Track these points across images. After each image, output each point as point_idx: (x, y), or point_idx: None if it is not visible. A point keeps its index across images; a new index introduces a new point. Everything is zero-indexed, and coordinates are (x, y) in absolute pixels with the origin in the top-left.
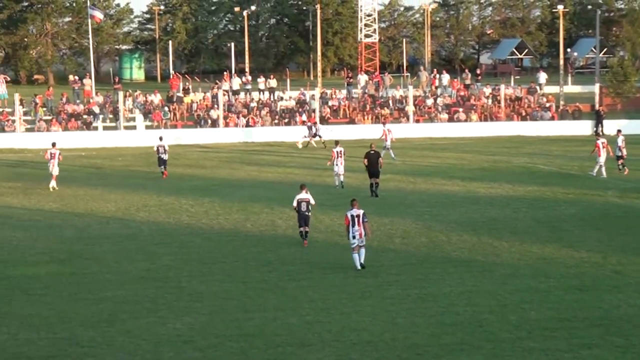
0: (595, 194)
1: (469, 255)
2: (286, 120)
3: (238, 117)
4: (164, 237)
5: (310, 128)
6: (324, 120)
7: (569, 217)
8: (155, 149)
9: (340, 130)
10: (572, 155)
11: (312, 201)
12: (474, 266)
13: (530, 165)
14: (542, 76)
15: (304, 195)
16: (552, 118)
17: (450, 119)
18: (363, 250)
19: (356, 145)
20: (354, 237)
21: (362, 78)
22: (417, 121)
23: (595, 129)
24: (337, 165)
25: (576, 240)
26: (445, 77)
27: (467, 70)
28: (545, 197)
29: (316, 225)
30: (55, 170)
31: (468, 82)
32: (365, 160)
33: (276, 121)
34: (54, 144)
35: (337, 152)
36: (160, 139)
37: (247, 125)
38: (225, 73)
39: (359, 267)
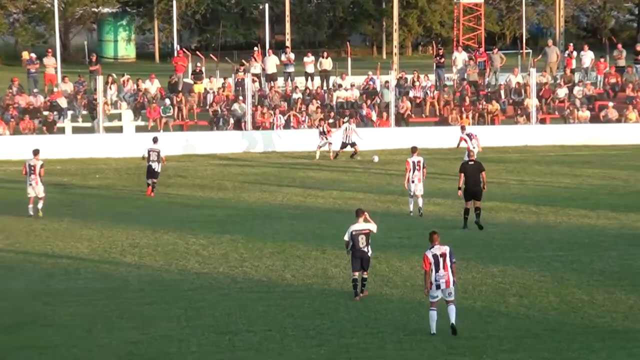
0: None
1: (625, 324)
2: (346, 118)
3: (274, 115)
4: (161, 293)
5: (323, 135)
6: (401, 119)
7: None
8: (145, 154)
9: (425, 133)
10: None
11: (374, 229)
12: (632, 339)
13: None
14: None
15: (362, 225)
16: None
17: (595, 118)
18: (453, 308)
19: (447, 157)
20: (437, 287)
21: (460, 57)
22: (543, 121)
23: None
24: (412, 182)
25: None
26: (588, 56)
27: (620, 46)
28: None
29: (390, 276)
30: (38, 189)
31: (622, 63)
32: (461, 175)
33: (331, 120)
34: (35, 152)
35: (413, 162)
36: (155, 140)
37: (288, 125)
38: (255, 49)
39: (434, 331)
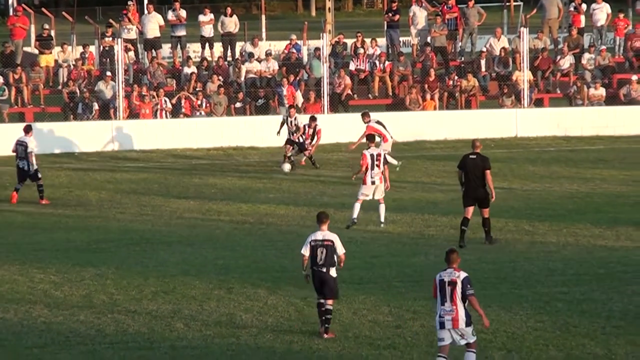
0: None
1: None
2: (260, 101)
3: (158, 97)
4: None
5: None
6: (339, 102)
7: None
8: (12, 149)
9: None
10: None
11: (340, 249)
12: None
13: None
14: None
15: (324, 234)
16: None
17: (612, 98)
18: (473, 356)
19: (403, 154)
20: (442, 326)
21: (420, 13)
22: (539, 103)
23: None
24: (372, 183)
25: None
26: (602, 10)
27: None
28: None
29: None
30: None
31: None
32: (460, 173)
33: (238, 104)
34: (27, 129)
35: (372, 155)
36: (26, 130)
37: (177, 112)
38: (129, 4)
39: None
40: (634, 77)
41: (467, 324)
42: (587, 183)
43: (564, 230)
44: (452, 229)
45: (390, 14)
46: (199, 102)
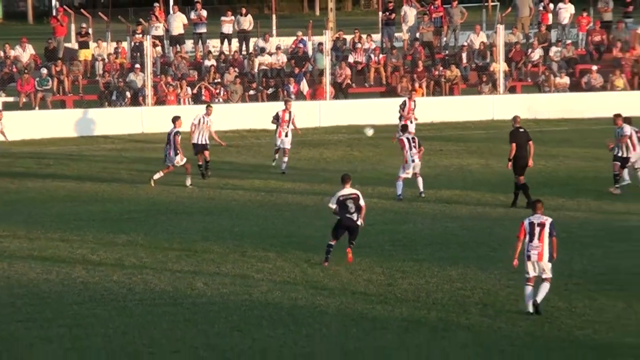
0: None
1: (609, 336)
2: (270, 90)
3: (181, 87)
4: (38, 309)
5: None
6: (339, 90)
7: None
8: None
9: (368, 106)
10: None
11: (362, 201)
12: (618, 355)
13: None
14: None
15: (350, 190)
16: None
17: (576, 86)
18: (546, 286)
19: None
20: (528, 258)
21: (411, 12)
22: (513, 90)
23: None
24: (412, 161)
25: None
26: (567, 10)
27: None
28: None
29: (325, 282)
30: None
31: (609, 17)
32: (513, 145)
33: (252, 92)
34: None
35: (408, 139)
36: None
37: (199, 100)
38: (156, 5)
39: (532, 310)
40: (594, 67)
41: (549, 259)
42: (554, 159)
43: None
44: (439, 202)
45: (387, 13)
46: (217, 91)
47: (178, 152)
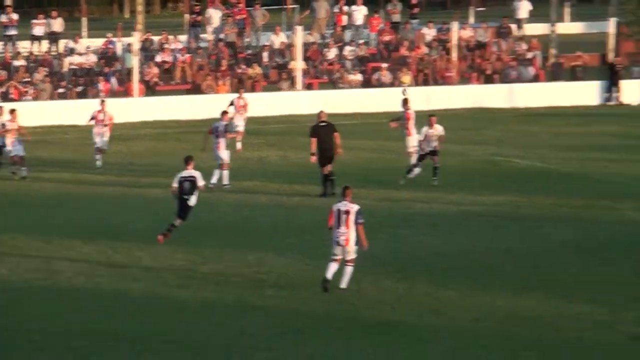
0: (604, 205)
1: (391, 316)
2: (80, 88)
3: None
4: None
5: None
6: (149, 88)
7: (558, 245)
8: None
9: (175, 103)
10: (568, 141)
11: (201, 182)
12: (398, 333)
13: (499, 160)
14: (524, 6)
15: (189, 172)
16: (537, 78)
17: (367, 82)
18: (350, 270)
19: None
20: (337, 244)
21: (215, 14)
22: (310, 86)
23: (607, 94)
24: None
25: (570, 285)
26: (360, 12)
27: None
28: (521, 213)
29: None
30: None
31: (397, 18)
32: (314, 140)
33: (61, 90)
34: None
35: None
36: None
37: (6, 99)
38: None
39: (329, 277)
40: (384, 65)
41: (355, 244)
42: (348, 152)
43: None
44: (241, 192)
45: (194, 15)
46: (25, 90)
47: None
